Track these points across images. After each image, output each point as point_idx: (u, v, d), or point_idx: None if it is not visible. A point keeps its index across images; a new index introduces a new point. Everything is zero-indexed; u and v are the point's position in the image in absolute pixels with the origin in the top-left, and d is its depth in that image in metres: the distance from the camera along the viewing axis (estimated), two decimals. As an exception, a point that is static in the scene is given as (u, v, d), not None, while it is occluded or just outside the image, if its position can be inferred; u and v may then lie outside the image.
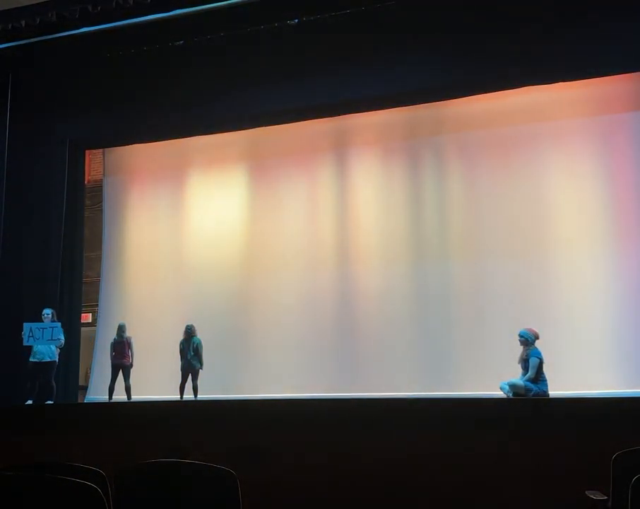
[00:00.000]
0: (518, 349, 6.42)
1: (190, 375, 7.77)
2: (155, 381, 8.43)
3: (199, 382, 7.78)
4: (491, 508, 4.60)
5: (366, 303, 8.42)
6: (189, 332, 7.86)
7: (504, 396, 6.19)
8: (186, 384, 7.80)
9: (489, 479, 4.61)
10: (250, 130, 8.82)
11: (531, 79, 7.55)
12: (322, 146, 8.96)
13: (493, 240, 8.07)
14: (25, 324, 7.37)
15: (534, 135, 8.04)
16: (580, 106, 7.96)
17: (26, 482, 2.51)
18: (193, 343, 7.80)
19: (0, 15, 7.33)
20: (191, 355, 7.76)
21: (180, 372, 7.79)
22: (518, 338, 6.40)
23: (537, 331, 6.45)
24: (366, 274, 8.46)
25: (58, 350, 7.62)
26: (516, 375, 6.38)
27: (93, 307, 9.69)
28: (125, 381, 7.99)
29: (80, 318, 9.06)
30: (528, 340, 6.33)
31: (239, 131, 8.89)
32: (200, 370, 7.80)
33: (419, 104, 8.24)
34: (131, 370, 8.01)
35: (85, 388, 9.13)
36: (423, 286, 8.27)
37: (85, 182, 9.83)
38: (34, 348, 7.45)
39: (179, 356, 7.84)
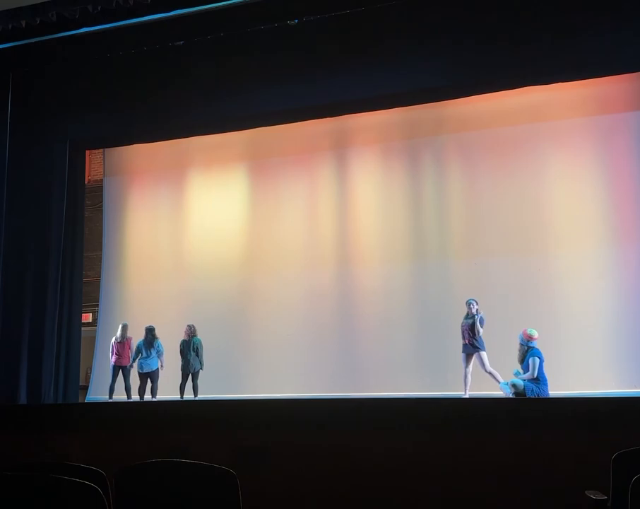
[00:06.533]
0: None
1: (190, 375, 7.78)
2: (155, 381, 8.43)
3: (199, 382, 7.78)
4: (491, 508, 4.59)
5: (366, 303, 8.43)
6: (190, 332, 7.86)
7: (504, 396, 6.19)
8: (186, 384, 7.80)
9: (489, 479, 4.60)
10: (250, 130, 8.83)
11: (531, 79, 7.55)
12: (322, 146, 8.97)
13: (493, 239, 8.08)
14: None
15: (534, 135, 8.05)
16: (580, 106, 7.97)
17: (26, 482, 2.51)
18: (194, 343, 7.80)
19: (0, 15, 7.31)
20: (191, 355, 7.76)
21: (180, 372, 7.80)
22: (518, 340, 6.44)
23: (528, 332, 6.46)
24: (366, 274, 8.46)
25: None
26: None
27: (93, 307, 9.68)
28: (125, 381, 7.99)
29: (80, 318, 9.06)
30: (521, 344, 6.39)
31: (239, 131, 8.90)
32: (200, 370, 7.81)
33: (419, 104, 8.25)
34: (131, 370, 8.01)
35: (85, 388, 9.13)
36: (423, 286, 8.27)
37: (85, 182, 9.83)
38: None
39: (179, 356, 7.85)
